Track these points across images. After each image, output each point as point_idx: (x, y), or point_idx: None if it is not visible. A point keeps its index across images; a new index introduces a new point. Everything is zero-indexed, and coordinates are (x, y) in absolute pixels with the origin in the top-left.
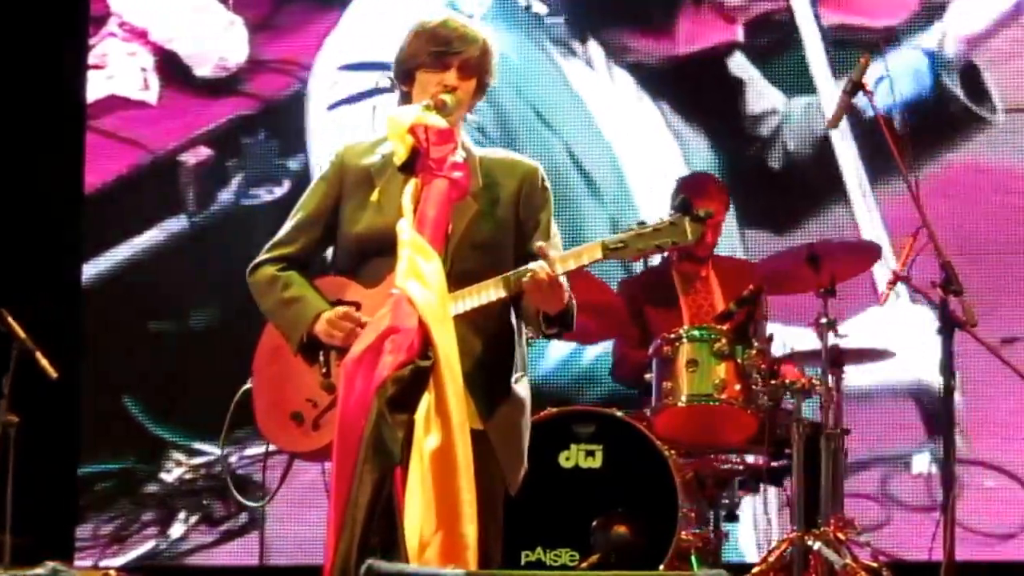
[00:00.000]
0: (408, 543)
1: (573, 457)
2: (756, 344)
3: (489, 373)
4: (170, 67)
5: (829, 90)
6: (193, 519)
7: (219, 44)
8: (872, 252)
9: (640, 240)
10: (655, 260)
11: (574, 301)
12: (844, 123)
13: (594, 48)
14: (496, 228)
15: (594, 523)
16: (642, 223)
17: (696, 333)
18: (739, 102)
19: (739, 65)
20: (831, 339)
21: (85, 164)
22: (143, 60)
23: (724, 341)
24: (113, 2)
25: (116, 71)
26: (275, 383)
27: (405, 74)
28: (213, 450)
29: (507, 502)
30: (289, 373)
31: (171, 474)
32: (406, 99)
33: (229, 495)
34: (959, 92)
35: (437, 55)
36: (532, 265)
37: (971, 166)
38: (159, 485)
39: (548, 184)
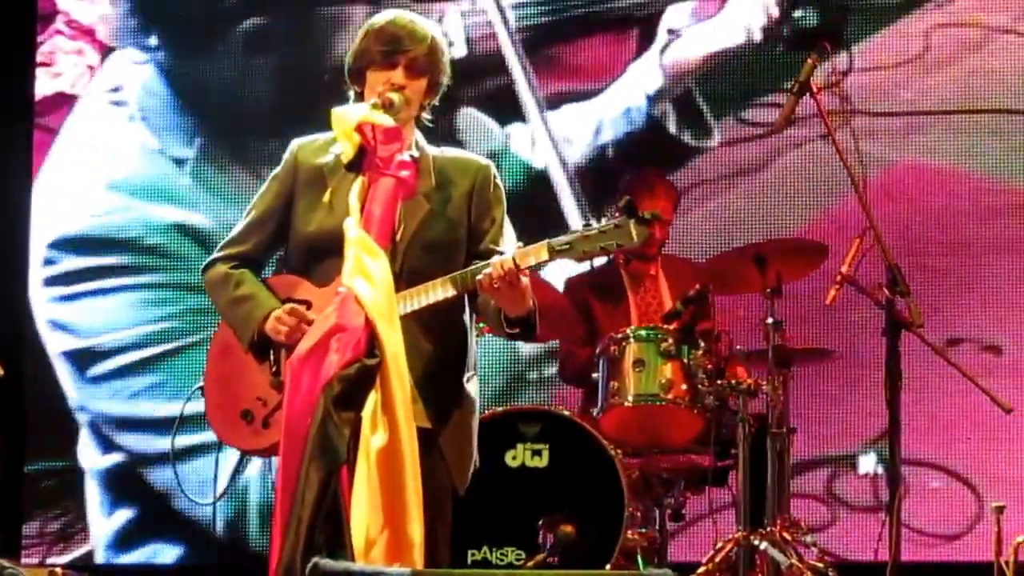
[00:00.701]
0: (354, 542)
1: (519, 456)
2: (703, 344)
3: (440, 373)
4: None
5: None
6: None
7: None
8: (819, 252)
9: (586, 242)
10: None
11: (537, 303)
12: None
13: None
14: (448, 227)
15: (540, 522)
16: (588, 225)
17: (643, 333)
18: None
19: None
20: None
21: (33, 161)
22: (89, 58)
23: (671, 341)
24: (60, 0)
25: (63, 68)
26: (226, 381)
27: (356, 73)
28: (161, 446)
29: (454, 500)
30: (240, 371)
31: None
32: (358, 99)
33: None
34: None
35: (384, 54)
36: (493, 259)
37: (915, 168)
38: None
39: (500, 183)
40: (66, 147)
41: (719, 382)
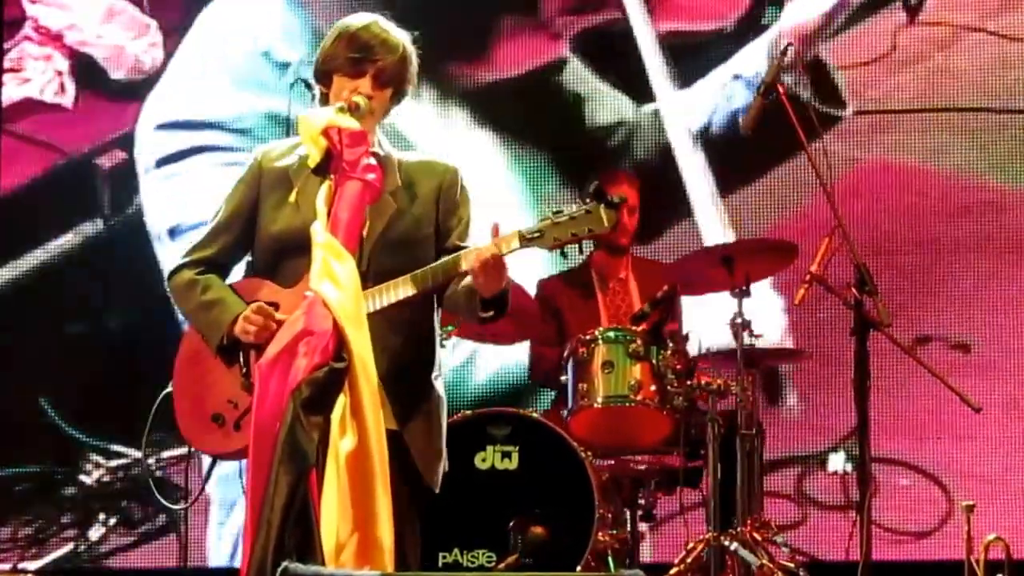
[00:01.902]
0: (324, 545)
1: (489, 458)
2: (671, 345)
3: (408, 372)
4: (86, 71)
5: (669, 98)
6: (112, 521)
7: (134, 47)
8: (788, 252)
9: (557, 229)
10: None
11: (509, 281)
12: (685, 135)
13: (425, 86)
14: (414, 225)
15: (511, 524)
16: (558, 211)
17: (611, 334)
18: (580, 116)
19: (574, 79)
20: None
21: (0, 167)
22: (59, 64)
23: (639, 342)
24: (29, 6)
25: (32, 74)
26: (196, 386)
27: (323, 75)
28: (131, 452)
29: (424, 503)
30: (210, 375)
31: (90, 476)
32: (324, 101)
33: (147, 497)
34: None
35: (354, 61)
36: (489, 244)
37: (882, 166)
38: (77, 487)
39: (465, 185)
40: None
41: (688, 383)
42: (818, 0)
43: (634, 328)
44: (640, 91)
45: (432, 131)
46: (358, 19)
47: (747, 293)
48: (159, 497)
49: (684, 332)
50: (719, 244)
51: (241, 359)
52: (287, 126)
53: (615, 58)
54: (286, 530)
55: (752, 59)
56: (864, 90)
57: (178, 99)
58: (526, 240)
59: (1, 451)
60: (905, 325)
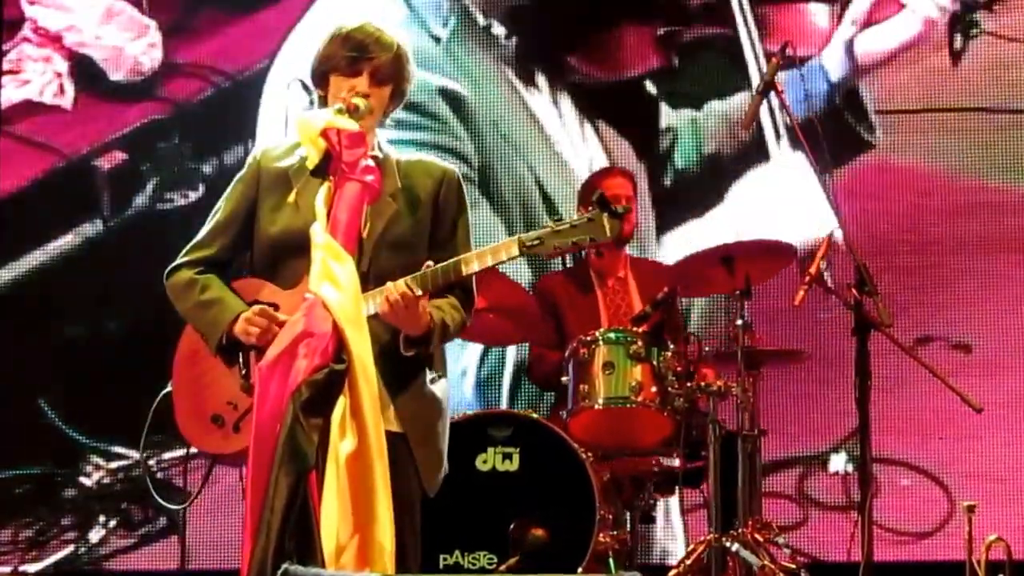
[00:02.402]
0: (324, 548)
1: (490, 460)
2: (672, 346)
3: (405, 375)
4: (85, 72)
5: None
6: (112, 523)
7: (133, 48)
8: (787, 253)
9: (557, 237)
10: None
11: (447, 324)
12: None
13: (541, 71)
14: (413, 227)
15: (511, 526)
16: (559, 219)
17: (612, 335)
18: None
19: (664, 84)
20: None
21: None
22: (58, 65)
23: (640, 343)
24: (27, 7)
25: (31, 76)
26: (195, 386)
27: (320, 77)
28: (131, 453)
29: (425, 504)
30: (209, 376)
31: (90, 478)
32: (322, 103)
33: (148, 499)
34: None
35: (350, 60)
36: (389, 284)
37: (882, 166)
38: (77, 489)
39: (463, 187)
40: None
41: (689, 384)
42: (890, 34)
43: (635, 329)
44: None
45: (548, 113)
46: (350, 20)
47: (747, 294)
48: (158, 498)
49: (685, 333)
50: (719, 245)
51: (241, 360)
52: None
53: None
54: (286, 532)
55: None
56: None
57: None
58: (526, 247)
59: (1, 453)
60: (906, 325)
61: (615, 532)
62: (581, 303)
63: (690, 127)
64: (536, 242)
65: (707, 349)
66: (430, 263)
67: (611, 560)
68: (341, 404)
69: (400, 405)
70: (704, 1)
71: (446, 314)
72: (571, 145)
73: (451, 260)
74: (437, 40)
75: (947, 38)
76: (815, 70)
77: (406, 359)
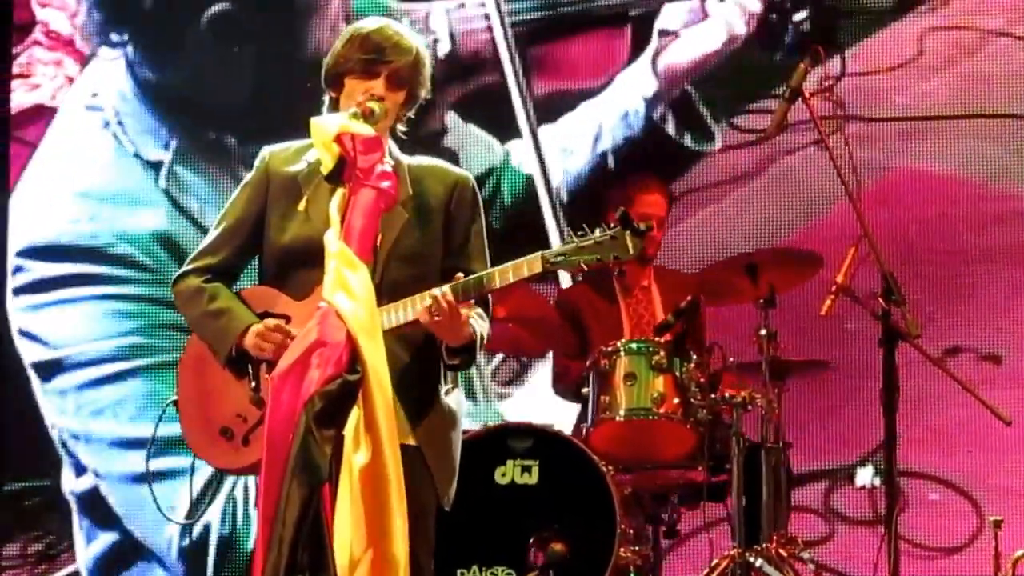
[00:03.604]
0: (338, 562)
1: (509, 473)
2: (695, 357)
3: (416, 385)
4: None
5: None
6: None
7: None
8: (813, 262)
9: (581, 253)
10: None
11: (482, 335)
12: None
13: None
14: (424, 238)
15: (531, 540)
16: (583, 234)
17: (634, 346)
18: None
19: (456, 139)
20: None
21: (10, 175)
22: (69, 69)
23: (662, 354)
24: (39, 10)
25: (41, 80)
26: (202, 397)
27: (334, 79)
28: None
29: (442, 518)
30: (216, 387)
31: None
32: (334, 105)
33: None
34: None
35: (366, 63)
36: (435, 290)
37: (910, 174)
38: None
39: (479, 196)
40: (42, 155)
41: (712, 396)
42: (693, 45)
43: (657, 339)
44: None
45: None
46: (368, 22)
47: (772, 303)
48: (163, 512)
49: (708, 344)
50: (744, 253)
51: (250, 372)
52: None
53: (490, 116)
54: (298, 546)
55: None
56: (892, 96)
57: (38, 219)
58: (549, 263)
59: (10, 465)
60: (934, 336)
61: (637, 547)
62: (604, 313)
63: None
64: (559, 258)
65: (731, 360)
66: (460, 275)
67: (632, 575)
68: (355, 415)
69: (415, 418)
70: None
71: (480, 325)
72: None
73: (473, 277)
74: (155, 167)
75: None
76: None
77: (421, 372)
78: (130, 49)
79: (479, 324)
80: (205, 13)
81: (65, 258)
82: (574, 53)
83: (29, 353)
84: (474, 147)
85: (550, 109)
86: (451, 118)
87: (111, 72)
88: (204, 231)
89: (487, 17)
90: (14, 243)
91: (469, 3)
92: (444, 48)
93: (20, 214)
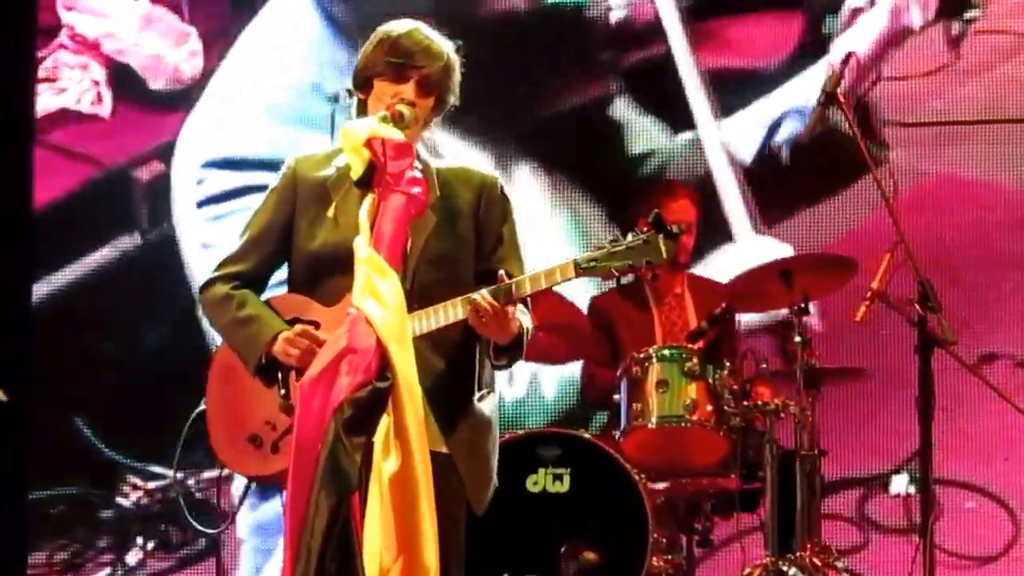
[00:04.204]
0: (367, 570)
1: (540, 481)
2: (728, 364)
3: (450, 391)
4: (123, 80)
5: (710, 131)
6: (150, 545)
7: (173, 56)
8: (848, 268)
9: (613, 259)
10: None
11: (528, 328)
12: (725, 159)
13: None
14: (454, 242)
15: (562, 549)
16: (615, 240)
17: (666, 353)
18: (619, 145)
19: (618, 114)
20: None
21: (34, 180)
22: (95, 73)
23: (695, 361)
24: (64, 13)
25: (67, 84)
26: (231, 405)
27: (363, 82)
28: (170, 473)
29: (473, 526)
30: (245, 394)
31: (127, 499)
32: (362, 108)
33: (187, 521)
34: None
35: (396, 67)
36: (475, 294)
37: (947, 179)
38: (114, 510)
39: (508, 194)
40: (228, 70)
41: (745, 403)
42: (866, 33)
43: (690, 346)
44: (680, 122)
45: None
46: (399, 25)
47: (805, 310)
48: (192, 520)
49: (742, 350)
50: (777, 259)
51: (280, 379)
52: None
53: (658, 92)
54: (327, 555)
55: (800, 91)
56: (928, 100)
57: (220, 134)
58: (581, 269)
59: (36, 473)
60: (970, 343)
61: (669, 556)
62: (637, 320)
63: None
64: (592, 264)
65: (764, 367)
66: (502, 273)
67: None
68: (385, 423)
69: (447, 425)
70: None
71: (523, 318)
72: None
73: (504, 284)
74: (336, 99)
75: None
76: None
77: (455, 378)
78: None
79: (523, 318)
80: None
81: (247, 168)
82: (744, 32)
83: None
84: (638, 125)
85: (715, 86)
86: (618, 92)
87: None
88: None
89: None
90: (199, 156)
91: None
92: (618, 15)
93: (206, 125)
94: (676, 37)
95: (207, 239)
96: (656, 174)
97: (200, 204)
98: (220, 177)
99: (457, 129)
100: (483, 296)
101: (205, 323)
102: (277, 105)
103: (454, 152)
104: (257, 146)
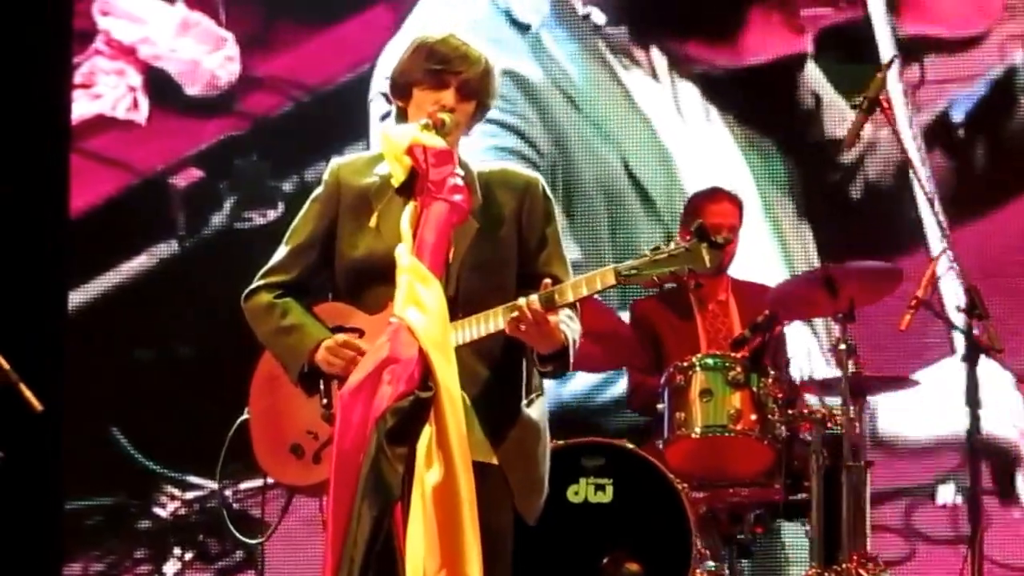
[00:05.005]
0: None
1: (582, 491)
2: (772, 372)
3: (496, 399)
4: (159, 86)
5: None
6: (188, 556)
7: (210, 62)
8: (893, 276)
9: (655, 267)
10: None
11: (574, 338)
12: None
13: (657, 58)
14: (497, 248)
15: (604, 560)
16: (656, 248)
17: (710, 361)
18: (817, 122)
19: (813, 79)
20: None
21: (70, 187)
22: (131, 79)
23: (739, 369)
24: (100, 19)
25: (103, 90)
26: (273, 414)
27: (401, 90)
28: (208, 483)
29: (514, 538)
30: (288, 404)
31: (164, 509)
32: (401, 115)
33: (225, 531)
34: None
35: (435, 73)
36: (519, 300)
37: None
38: (151, 520)
39: (550, 195)
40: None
41: (790, 411)
42: None
43: (734, 354)
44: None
45: (660, 102)
46: (435, 32)
47: (851, 318)
48: (234, 531)
49: (786, 358)
50: (821, 266)
51: (322, 388)
52: (526, 86)
53: (851, 58)
54: (369, 567)
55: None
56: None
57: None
58: (622, 277)
59: (71, 483)
60: (1017, 351)
61: (713, 566)
62: (680, 327)
63: None
64: (633, 271)
65: (809, 375)
66: (547, 281)
67: None
68: (427, 433)
69: (496, 434)
70: None
71: (570, 328)
72: (687, 137)
73: (544, 291)
74: (526, 28)
75: None
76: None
77: (502, 386)
78: None
79: (569, 328)
80: None
81: None
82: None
83: None
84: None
85: (912, 50)
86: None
87: None
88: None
89: None
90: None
91: None
92: None
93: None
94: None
95: None
96: (856, 162)
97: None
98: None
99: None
100: (528, 302)
101: (242, 331)
102: (475, 24)
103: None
104: None
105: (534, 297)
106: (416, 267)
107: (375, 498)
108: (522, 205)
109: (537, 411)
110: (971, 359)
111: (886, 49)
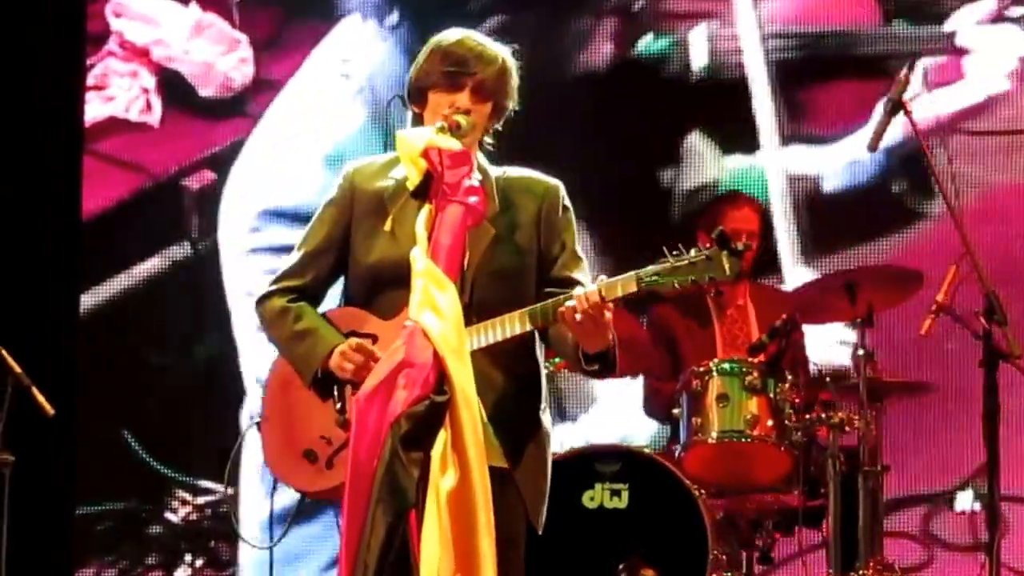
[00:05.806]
0: None
1: (598, 497)
2: (790, 377)
3: (514, 408)
4: (173, 87)
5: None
6: (199, 562)
7: (223, 64)
8: (913, 281)
9: (676, 274)
10: None
11: (616, 338)
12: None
13: None
14: (515, 254)
15: (620, 566)
16: (678, 255)
17: (727, 366)
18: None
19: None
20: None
21: (83, 189)
22: (144, 80)
23: (756, 374)
24: (113, 20)
25: (116, 92)
26: (286, 419)
27: (417, 93)
28: (220, 488)
29: (528, 543)
30: (301, 409)
31: (176, 514)
32: (418, 120)
33: (237, 537)
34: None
35: (450, 75)
36: (577, 290)
37: (1015, 189)
38: (163, 525)
39: (568, 203)
40: (283, 115)
41: (807, 417)
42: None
43: (751, 360)
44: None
45: None
46: (451, 34)
47: (869, 323)
48: (243, 537)
49: (804, 363)
50: (841, 271)
51: (336, 393)
52: None
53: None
54: (384, 571)
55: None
56: (997, 109)
57: (276, 183)
58: (644, 283)
59: (83, 487)
60: None
61: (729, 573)
62: (697, 333)
63: None
64: (654, 278)
65: (827, 380)
66: (581, 286)
67: None
68: (442, 438)
69: (509, 440)
70: None
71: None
72: None
73: (565, 295)
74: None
75: None
76: None
77: (519, 393)
78: (402, 31)
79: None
80: (484, 21)
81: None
82: (825, 99)
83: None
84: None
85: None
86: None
87: (372, 45)
88: None
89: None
90: (255, 204)
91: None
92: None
93: (262, 174)
94: (763, 95)
95: (251, 288)
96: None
97: (254, 251)
98: (276, 231)
99: None
100: (587, 293)
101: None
102: (339, 154)
103: None
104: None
105: (592, 289)
106: (431, 270)
107: (390, 503)
108: (541, 212)
109: (547, 421)
110: (990, 365)
111: (768, 138)
